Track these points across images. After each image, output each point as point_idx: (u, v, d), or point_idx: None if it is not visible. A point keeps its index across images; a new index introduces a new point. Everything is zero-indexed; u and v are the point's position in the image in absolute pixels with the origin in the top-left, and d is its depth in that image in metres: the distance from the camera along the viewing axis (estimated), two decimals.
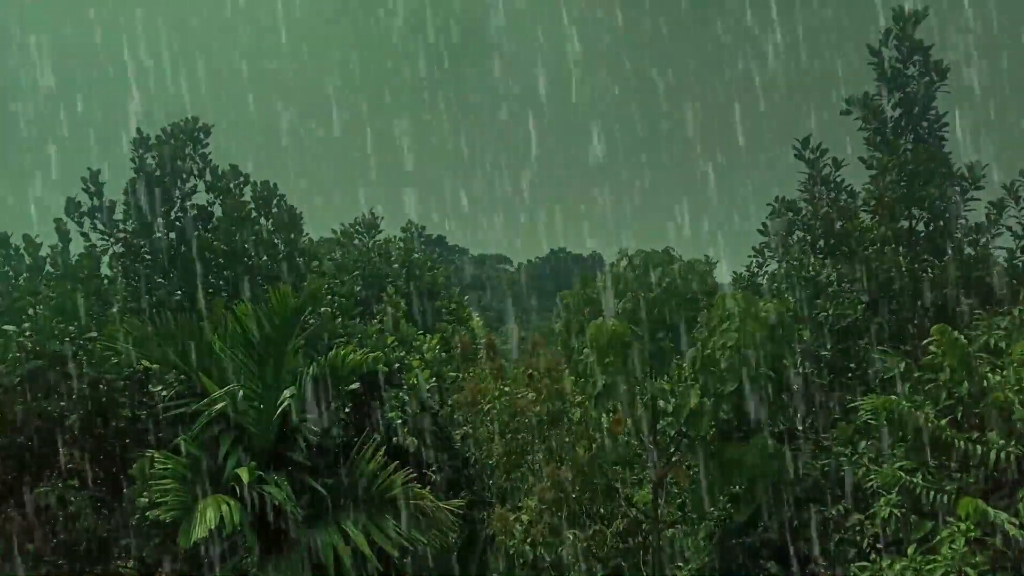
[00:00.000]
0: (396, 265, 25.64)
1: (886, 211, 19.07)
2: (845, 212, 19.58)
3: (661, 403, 17.42)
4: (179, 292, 22.29)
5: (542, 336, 21.34)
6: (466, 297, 28.83)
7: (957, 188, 18.96)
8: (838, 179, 19.70)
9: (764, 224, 20.46)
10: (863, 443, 16.26)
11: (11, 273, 24.26)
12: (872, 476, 14.87)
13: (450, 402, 20.02)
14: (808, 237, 19.85)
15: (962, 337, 14.59)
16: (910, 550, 13.41)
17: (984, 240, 19.46)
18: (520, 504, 18.34)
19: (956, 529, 12.97)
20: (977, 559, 12.75)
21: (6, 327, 20.39)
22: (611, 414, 18.17)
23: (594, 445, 18.14)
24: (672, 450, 18.26)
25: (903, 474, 14.25)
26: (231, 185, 23.14)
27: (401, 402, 20.24)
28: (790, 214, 20.10)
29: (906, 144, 19.22)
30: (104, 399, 19.98)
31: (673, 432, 17.82)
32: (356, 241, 26.32)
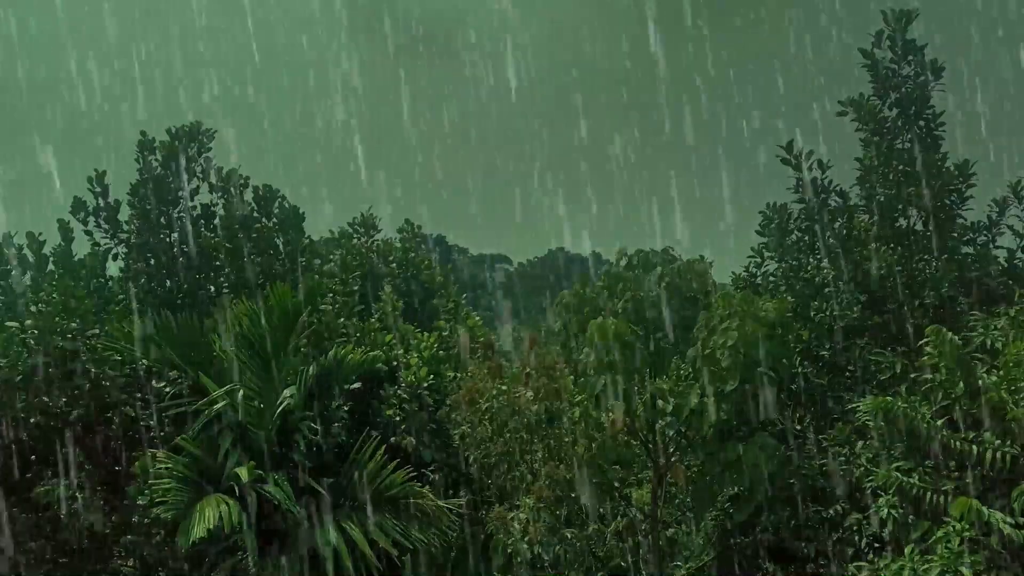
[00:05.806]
0: (393, 265, 25.71)
1: (879, 210, 19.11)
2: (837, 213, 19.60)
3: (661, 403, 17.43)
4: (180, 293, 22.40)
5: (540, 335, 21.30)
6: (464, 296, 28.84)
7: (951, 188, 18.96)
8: (825, 181, 19.69)
9: (761, 226, 20.49)
10: (860, 443, 16.30)
11: (14, 271, 24.33)
12: (870, 476, 14.94)
13: (448, 401, 20.06)
14: (806, 237, 19.87)
15: (955, 338, 14.64)
16: (907, 550, 13.46)
17: (983, 239, 19.45)
18: (518, 503, 18.37)
19: (952, 529, 13.04)
20: (972, 558, 12.81)
21: (9, 323, 20.47)
22: (610, 413, 18.18)
23: (593, 444, 18.15)
24: (672, 450, 18.28)
25: (899, 474, 14.33)
26: (231, 188, 23.27)
27: (400, 400, 20.32)
28: (777, 219, 20.11)
29: (903, 144, 19.23)
30: (106, 397, 20.05)
31: (672, 432, 17.83)
32: (355, 241, 26.36)
